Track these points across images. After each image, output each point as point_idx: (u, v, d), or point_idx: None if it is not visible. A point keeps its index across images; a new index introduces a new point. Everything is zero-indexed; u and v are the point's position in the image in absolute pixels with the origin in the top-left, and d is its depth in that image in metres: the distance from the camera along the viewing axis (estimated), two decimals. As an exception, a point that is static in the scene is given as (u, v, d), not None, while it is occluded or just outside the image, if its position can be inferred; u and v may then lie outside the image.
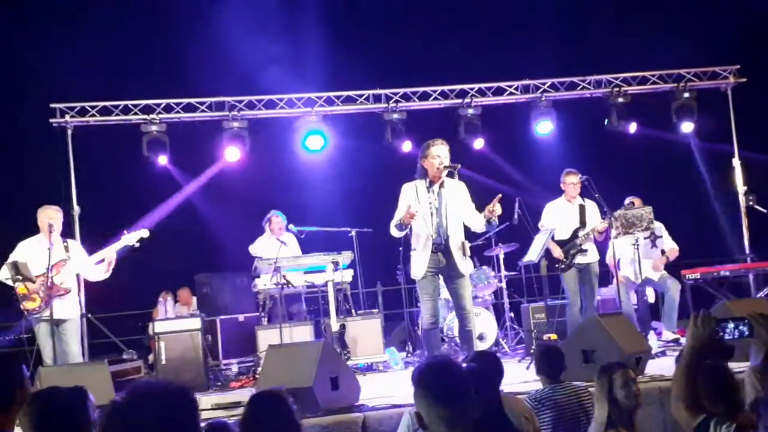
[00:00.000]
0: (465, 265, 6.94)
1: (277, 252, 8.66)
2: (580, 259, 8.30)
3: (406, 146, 10.76)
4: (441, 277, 7.06)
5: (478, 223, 6.93)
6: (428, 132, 7.95)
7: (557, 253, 8.30)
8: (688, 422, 2.88)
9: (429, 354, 7.15)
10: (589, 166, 8.53)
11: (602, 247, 8.55)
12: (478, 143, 11.02)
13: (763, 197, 10.63)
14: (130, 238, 7.69)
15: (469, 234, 7.16)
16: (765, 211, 10.44)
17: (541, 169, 11.33)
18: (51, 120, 10.07)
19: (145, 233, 7.76)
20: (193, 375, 8.20)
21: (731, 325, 2.98)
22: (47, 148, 10.58)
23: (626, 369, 4.06)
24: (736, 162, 10.96)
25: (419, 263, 6.93)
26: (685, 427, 2.92)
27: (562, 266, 8.29)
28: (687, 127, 11.15)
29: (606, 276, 8.89)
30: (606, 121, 11.01)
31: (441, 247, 6.89)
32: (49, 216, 7.53)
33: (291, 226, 9.59)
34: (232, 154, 10.58)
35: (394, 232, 7.03)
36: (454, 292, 6.98)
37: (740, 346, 3.43)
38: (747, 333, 2.97)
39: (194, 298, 11.34)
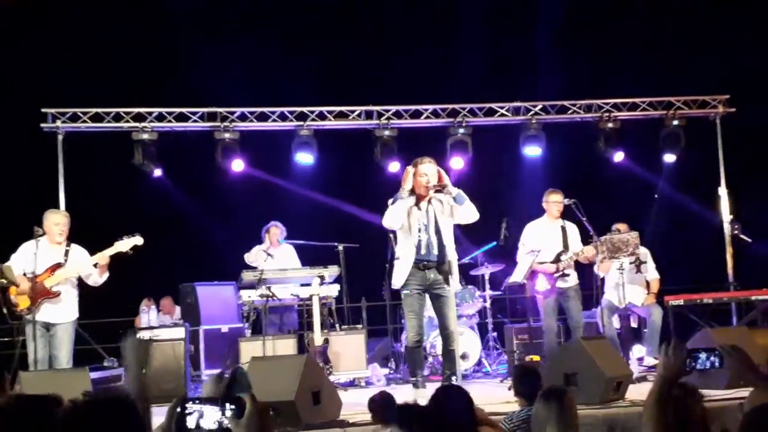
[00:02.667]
0: (452, 283, 6.97)
1: (263, 264, 8.68)
2: (561, 284, 8.28)
3: (394, 166, 10.74)
4: (427, 294, 7.08)
5: (457, 211, 6.94)
6: (418, 150, 7.98)
7: (550, 269, 8.24)
8: None
9: (412, 372, 7.16)
10: (576, 190, 8.56)
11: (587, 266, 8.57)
12: (457, 162, 10.96)
13: (748, 226, 10.70)
14: (124, 244, 7.65)
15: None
16: (750, 240, 10.51)
17: (529, 190, 11.38)
18: (42, 125, 10.05)
19: (139, 241, 7.69)
20: (173, 385, 8.15)
21: (703, 356, 3.01)
22: (37, 152, 10.57)
23: (568, 394, 3.99)
24: (722, 191, 11.05)
25: (400, 274, 6.96)
26: None
27: (544, 289, 8.25)
28: (673, 155, 11.23)
29: (589, 300, 8.92)
30: (599, 144, 11.07)
31: (428, 264, 6.92)
32: (56, 221, 7.57)
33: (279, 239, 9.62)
34: (236, 165, 10.59)
35: (391, 216, 6.95)
36: (439, 311, 7.00)
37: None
38: (718, 364, 2.99)
39: (177, 308, 11.31)
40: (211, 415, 2.28)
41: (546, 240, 8.42)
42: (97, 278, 7.71)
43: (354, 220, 11.83)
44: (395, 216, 6.88)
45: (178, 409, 2.27)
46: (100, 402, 2.11)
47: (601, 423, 5.64)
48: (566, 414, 3.80)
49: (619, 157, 11.11)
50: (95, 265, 7.60)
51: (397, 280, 7.01)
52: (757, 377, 3.07)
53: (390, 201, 6.96)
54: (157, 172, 10.55)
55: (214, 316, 10.05)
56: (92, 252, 7.70)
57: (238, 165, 10.62)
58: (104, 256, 7.57)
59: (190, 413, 2.28)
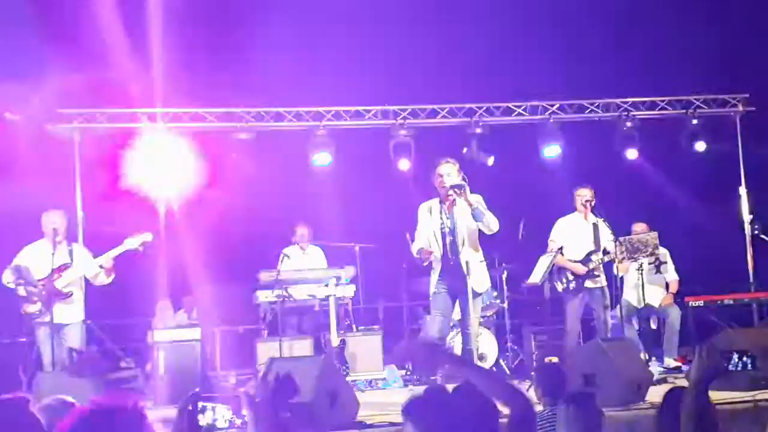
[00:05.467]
0: (478, 284, 6.96)
1: (279, 264, 8.67)
2: (589, 284, 8.16)
3: (406, 164, 10.69)
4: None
5: (480, 225, 6.99)
6: (436, 150, 7.94)
7: (580, 269, 8.14)
8: None
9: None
10: (596, 190, 8.46)
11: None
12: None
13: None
14: (133, 241, 7.68)
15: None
16: (771, 240, 10.40)
17: (547, 190, 11.30)
18: (58, 125, 10.08)
19: (148, 237, 7.75)
20: (191, 385, 8.14)
21: (736, 357, 2.97)
22: (53, 152, 10.58)
23: (594, 401, 3.94)
24: (742, 190, 10.94)
25: (433, 280, 7.05)
26: None
27: (571, 288, 8.15)
28: (697, 150, 11.09)
29: (610, 300, 8.83)
30: (618, 143, 10.97)
31: (454, 266, 6.95)
32: (53, 220, 7.56)
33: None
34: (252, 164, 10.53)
35: (415, 255, 7.15)
36: (463, 310, 7.04)
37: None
38: (751, 366, 2.96)
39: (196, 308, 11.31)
40: (223, 415, 2.26)
41: (576, 237, 8.27)
42: (103, 278, 7.73)
43: (371, 220, 11.79)
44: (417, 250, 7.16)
45: (190, 407, 2.24)
46: (105, 411, 2.07)
47: (621, 425, 5.58)
48: (590, 421, 3.74)
49: (633, 154, 10.97)
50: (101, 266, 7.62)
51: (431, 288, 7.12)
52: None
53: (412, 245, 7.19)
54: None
55: (230, 317, 10.05)
56: (104, 251, 7.71)
57: (254, 164, 10.55)
58: (113, 255, 7.59)
59: (202, 412, 2.26)
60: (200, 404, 2.27)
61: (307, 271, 8.92)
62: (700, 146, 10.98)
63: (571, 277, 8.14)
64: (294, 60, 12.20)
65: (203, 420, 2.26)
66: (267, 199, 12.19)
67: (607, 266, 8.39)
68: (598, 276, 8.14)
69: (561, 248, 8.16)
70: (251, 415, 2.25)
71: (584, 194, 8.29)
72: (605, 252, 8.14)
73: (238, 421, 2.20)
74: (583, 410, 3.74)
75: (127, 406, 2.10)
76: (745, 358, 3.00)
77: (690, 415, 2.85)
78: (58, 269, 7.45)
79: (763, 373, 3.00)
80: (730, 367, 2.98)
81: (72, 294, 7.52)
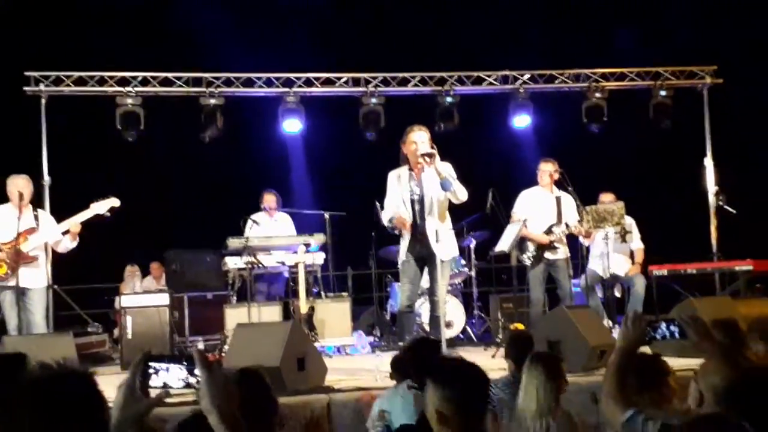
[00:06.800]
0: (445, 252, 6.97)
1: (248, 231, 8.65)
2: (549, 255, 8.28)
3: (383, 131, 10.73)
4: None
5: (449, 194, 6.99)
6: (406, 118, 7.93)
7: (543, 238, 8.25)
8: (617, 418, 2.90)
9: (400, 336, 7.23)
10: (565, 160, 8.54)
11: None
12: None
13: (733, 198, 10.75)
14: (100, 206, 7.60)
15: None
16: (734, 211, 10.56)
17: (517, 160, 11.38)
18: (25, 88, 9.94)
19: (115, 202, 7.68)
20: (158, 351, 8.11)
21: (663, 326, 3.03)
22: (19, 116, 10.46)
23: (558, 359, 4.04)
24: (708, 162, 11.08)
25: (402, 248, 7.06)
26: (613, 424, 2.93)
27: (532, 259, 8.26)
28: (662, 124, 11.22)
29: (575, 269, 8.94)
30: (586, 113, 11.05)
31: (422, 234, 6.97)
32: (18, 185, 7.47)
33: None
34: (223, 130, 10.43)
35: (386, 224, 7.13)
36: (431, 278, 7.08)
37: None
38: (678, 334, 3.02)
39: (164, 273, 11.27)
40: (177, 374, 2.24)
41: (538, 210, 8.37)
42: (67, 244, 7.66)
43: (341, 188, 11.79)
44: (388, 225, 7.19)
45: (142, 367, 2.22)
46: (55, 376, 2.03)
47: (584, 391, 5.67)
48: (552, 380, 3.81)
49: (600, 122, 11.06)
50: (67, 231, 7.55)
51: (401, 254, 7.14)
52: (713, 348, 3.08)
53: (382, 213, 7.21)
54: (132, 136, 10.30)
55: (199, 283, 10.02)
56: (70, 216, 7.63)
57: (221, 129, 10.46)
58: (79, 220, 7.52)
59: (155, 372, 2.23)
60: (153, 365, 2.23)
61: (276, 237, 8.91)
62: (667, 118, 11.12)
63: (531, 248, 8.25)
64: (264, 25, 12.12)
65: (156, 380, 2.21)
66: (236, 165, 12.16)
67: (573, 236, 8.49)
68: (558, 248, 8.25)
69: (525, 220, 8.23)
70: (205, 376, 2.22)
71: (547, 168, 8.37)
72: (567, 225, 8.25)
73: (193, 380, 2.17)
74: (547, 370, 3.82)
75: (76, 371, 2.07)
76: (672, 327, 3.05)
77: (613, 375, 2.95)
78: (24, 233, 7.37)
79: (689, 342, 3.06)
80: (658, 336, 3.04)
81: (38, 258, 7.46)
